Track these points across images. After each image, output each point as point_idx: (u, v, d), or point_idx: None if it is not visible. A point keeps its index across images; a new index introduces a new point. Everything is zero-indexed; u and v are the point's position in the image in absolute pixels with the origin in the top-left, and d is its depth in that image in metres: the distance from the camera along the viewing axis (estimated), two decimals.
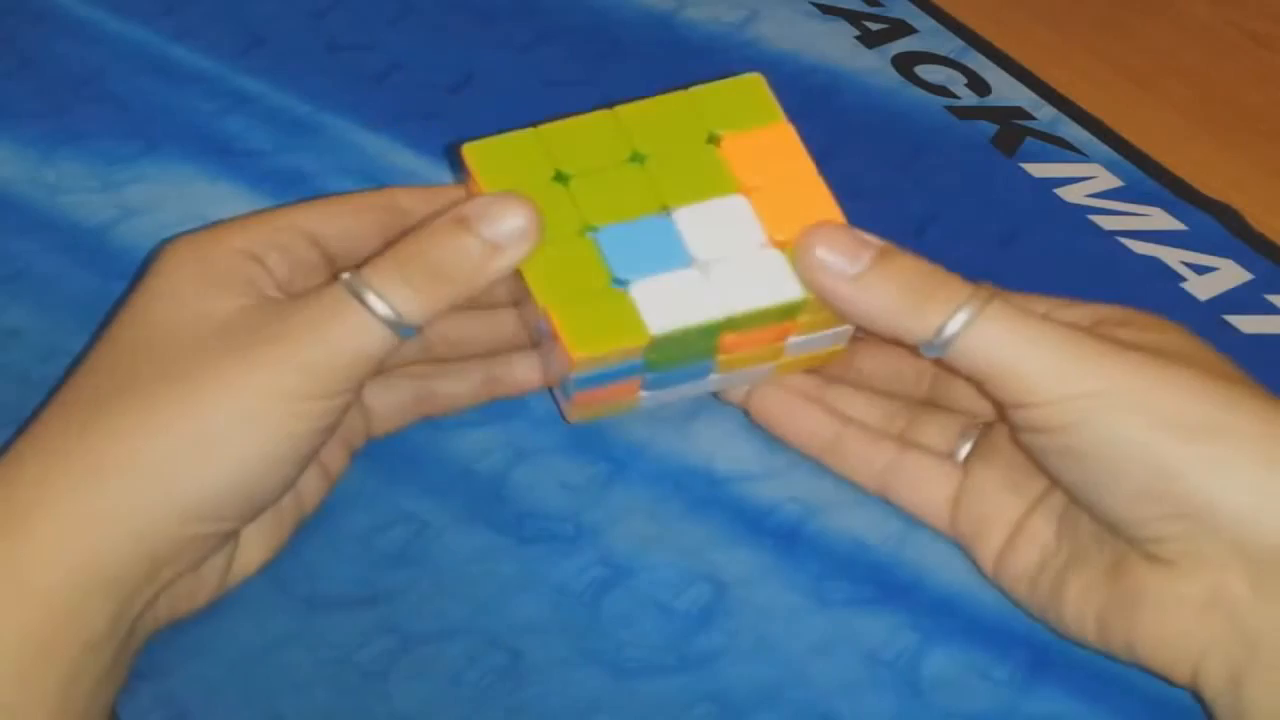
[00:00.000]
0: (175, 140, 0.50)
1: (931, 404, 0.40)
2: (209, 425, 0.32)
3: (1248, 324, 0.46)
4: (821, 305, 0.35)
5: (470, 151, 0.36)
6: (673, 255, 0.35)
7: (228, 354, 0.33)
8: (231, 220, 0.36)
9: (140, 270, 0.36)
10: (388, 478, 0.40)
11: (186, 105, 0.51)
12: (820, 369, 0.40)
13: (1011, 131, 0.53)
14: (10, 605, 0.31)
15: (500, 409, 0.41)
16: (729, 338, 0.36)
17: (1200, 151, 0.53)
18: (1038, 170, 0.51)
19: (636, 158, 0.36)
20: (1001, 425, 0.38)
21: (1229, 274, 0.48)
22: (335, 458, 0.39)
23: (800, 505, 0.40)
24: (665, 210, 0.36)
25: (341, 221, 0.37)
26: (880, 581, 0.39)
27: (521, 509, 0.40)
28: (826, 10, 0.58)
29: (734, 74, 0.38)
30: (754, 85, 0.38)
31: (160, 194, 0.48)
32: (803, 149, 0.37)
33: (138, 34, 0.54)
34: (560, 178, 0.36)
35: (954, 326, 0.33)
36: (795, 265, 0.35)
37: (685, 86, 0.37)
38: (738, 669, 0.37)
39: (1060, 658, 0.37)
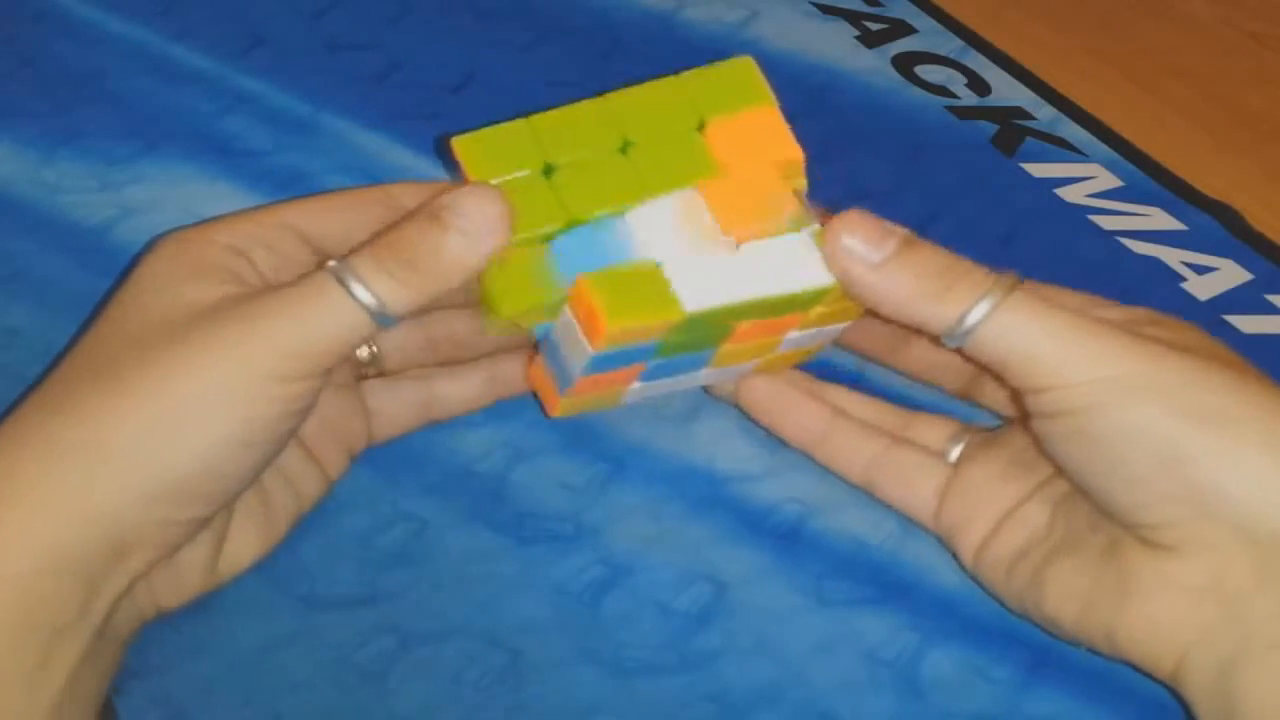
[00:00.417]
0: (174, 140, 0.50)
1: (922, 410, 0.41)
2: (177, 405, 0.32)
3: (1248, 324, 0.46)
4: (841, 296, 0.35)
5: (460, 144, 0.36)
6: (620, 258, 0.35)
7: (201, 334, 0.33)
8: (220, 217, 0.36)
9: (129, 264, 0.36)
10: (388, 478, 0.40)
11: (186, 105, 0.51)
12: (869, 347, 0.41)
13: (1011, 131, 0.53)
14: None
15: (500, 409, 0.41)
16: (744, 326, 0.36)
17: (1200, 151, 0.53)
18: (1038, 170, 0.51)
19: (627, 146, 0.36)
20: (994, 430, 0.38)
21: (1229, 274, 0.48)
22: (334, 460, 0.38)
23: (800, 505, 0.40)
24: (626, 209, 0.36)
25: (335, 217, 0.37)
26: (880, 581, 0.39)
27: (521, 509, 0.40)
28: (826, 10, 0.58)
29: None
30: (744, 68, 0.37)
31: (159, 194, 0.48)
32: (787, 129, 0.37)
33: (138, 34, 0.54)
34: (549, 169, 0.36)
35: (976, 316, 0.33)
36: (824, 252, 0.35)
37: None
38: (738, 669, 0.37)
39: (1060, 658, 0.37)
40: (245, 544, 0.36)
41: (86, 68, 0.52)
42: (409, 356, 0.40)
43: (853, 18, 0.57)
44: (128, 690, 0.35)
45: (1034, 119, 0.53)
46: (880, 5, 0.58)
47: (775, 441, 0.41)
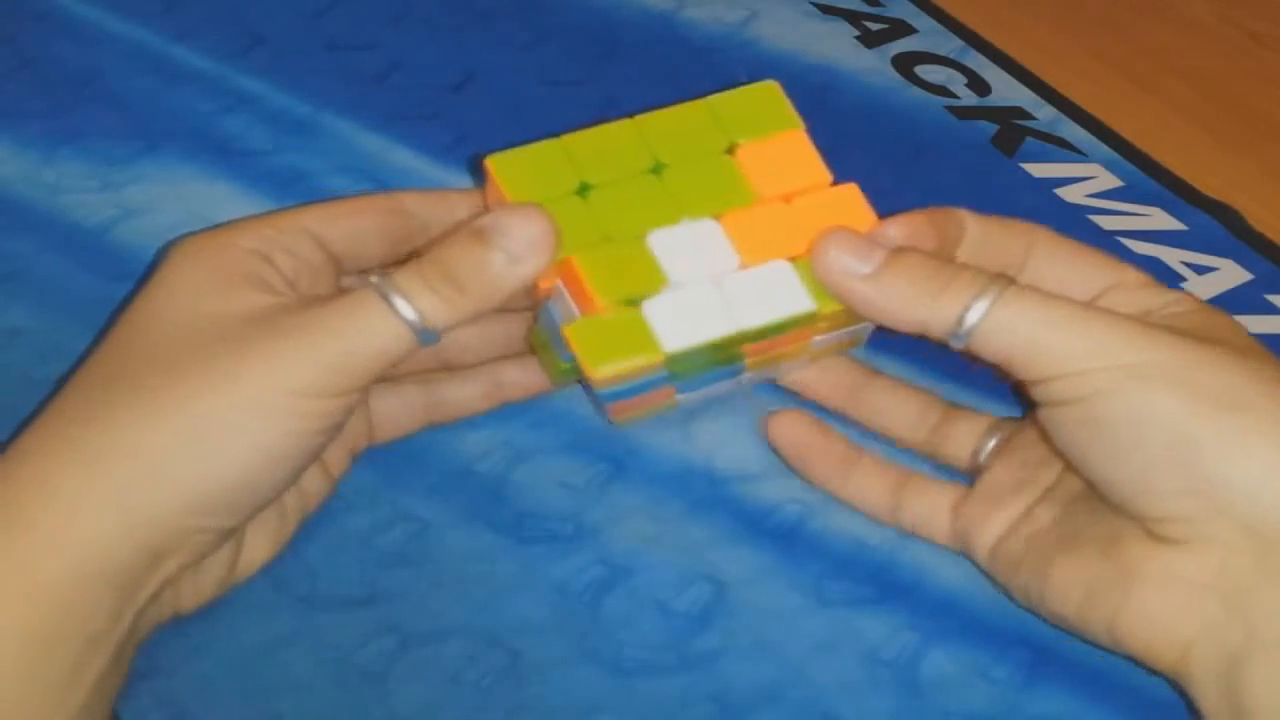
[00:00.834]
0: (175, 140, 0.50)
1: (957, 407, 0.41)
2: (216, 418, 0.32)
3: (1248, 324, 0.46)
4: (836, 312, 0.36)
5: (494, 163, 0.36)
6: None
7: (242, 348, 0.33)
8: (238, 221, 0.36)
9: (148, 269, 0.36)
10: (388, 478, 0.40)
11: (186, 105, 0.51)
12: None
13: (1011, 131, 0.53)
14: (12, 599, 0.31)
15: (500, 409, 0.41)
16: (750, 345, 0.36)
17: (1200, 151, 0.53)
18: (1038, 170, 0.51)
19: (658, 168, 0.37)
20: (1010, 432, 0.39)
21: (1229, 274, 0.48)
22: (337, 460, 0.39)
23: (800, 505, 0.40)
24: (662, 228, 0.36)
25: (346, 223, 0.37)
26: (880, 581, 0.39)
27: (521, 509, 0.40)
28: (826, 10, 0.58)
29: (733, 75, 0.38)
30: (770, 92, 0.38)
31: (160, 194, 0.48)
32: (816, 154, 0.37)
33: (138, 34, 0.54)
34: (583, 189, 0.36)
35: (976, 312, 0.34)
36: (814, 271, 0.35)
37: (690, 90, 0.38)
38: (738, 669, 0.37)
39: (1060, 658, 0.37)
40: (259, 547, 0.37)
41: (86, 68, 0.52)
42: (413, 359, 0.41)
43: (853, 18, 0.57)
44: (130, 690, 0.35)
45: (1034, 119, 0.53)
46: (880, 5, 0.58)
47: None
